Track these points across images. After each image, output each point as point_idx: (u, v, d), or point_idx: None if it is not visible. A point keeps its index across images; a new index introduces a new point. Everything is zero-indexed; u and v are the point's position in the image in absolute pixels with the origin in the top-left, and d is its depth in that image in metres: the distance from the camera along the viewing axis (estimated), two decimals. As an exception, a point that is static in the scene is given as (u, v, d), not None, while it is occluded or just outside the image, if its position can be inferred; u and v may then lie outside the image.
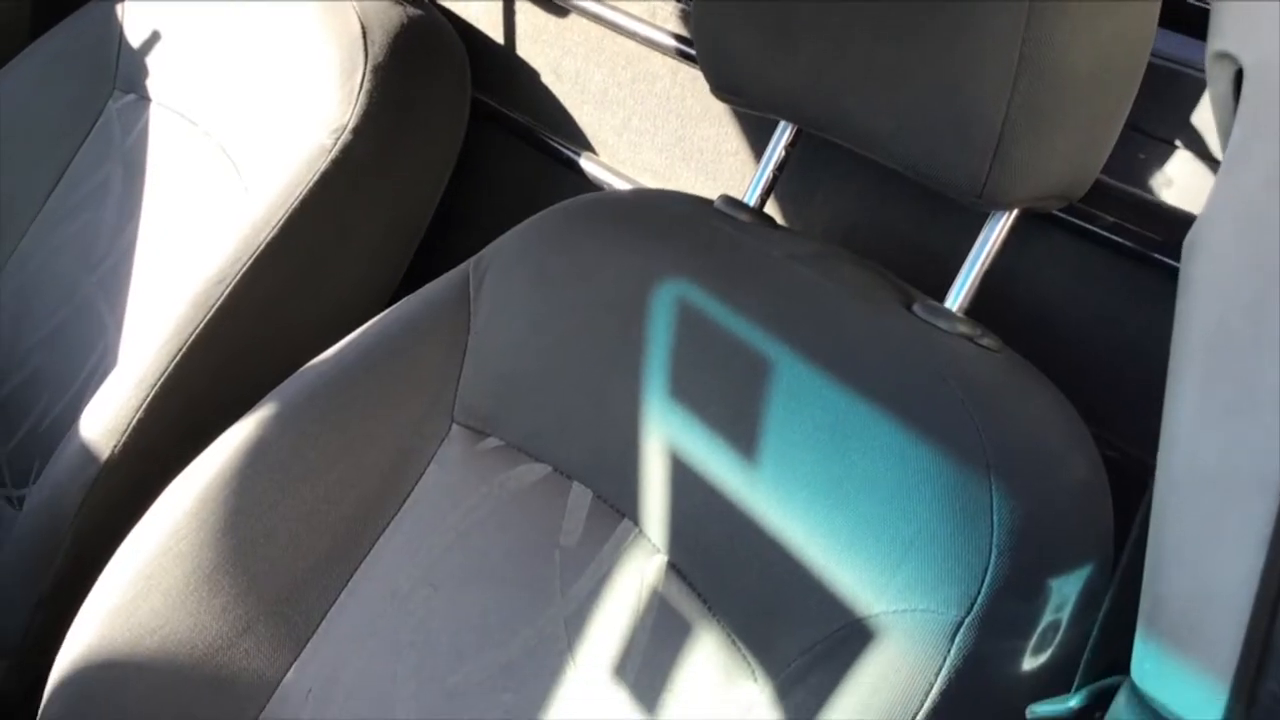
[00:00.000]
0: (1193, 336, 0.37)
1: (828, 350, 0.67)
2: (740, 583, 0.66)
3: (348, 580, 0.80)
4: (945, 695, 0.56)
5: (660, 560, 0.70)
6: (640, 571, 0.71)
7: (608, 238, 0.79)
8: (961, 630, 0.57)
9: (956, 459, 0.61)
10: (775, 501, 0.65)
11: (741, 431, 0.67)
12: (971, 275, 0.72)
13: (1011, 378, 0.67)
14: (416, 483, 0.81)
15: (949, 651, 0.57)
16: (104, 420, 0.97)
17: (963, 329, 0.69)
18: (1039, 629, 0.59)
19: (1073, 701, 0.47)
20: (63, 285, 1.13)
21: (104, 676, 0.79)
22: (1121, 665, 0.47)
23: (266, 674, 0.79)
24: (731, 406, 0.68)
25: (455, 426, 0.81)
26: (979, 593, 0.58)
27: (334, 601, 0.80)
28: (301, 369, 0.84)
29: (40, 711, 0.80)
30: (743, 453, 0.67)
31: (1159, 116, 0.76)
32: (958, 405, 0.63)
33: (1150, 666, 0.41)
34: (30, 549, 0.99)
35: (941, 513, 0.60)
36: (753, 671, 0.64)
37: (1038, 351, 0.73)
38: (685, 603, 0.68)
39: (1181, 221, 0.75)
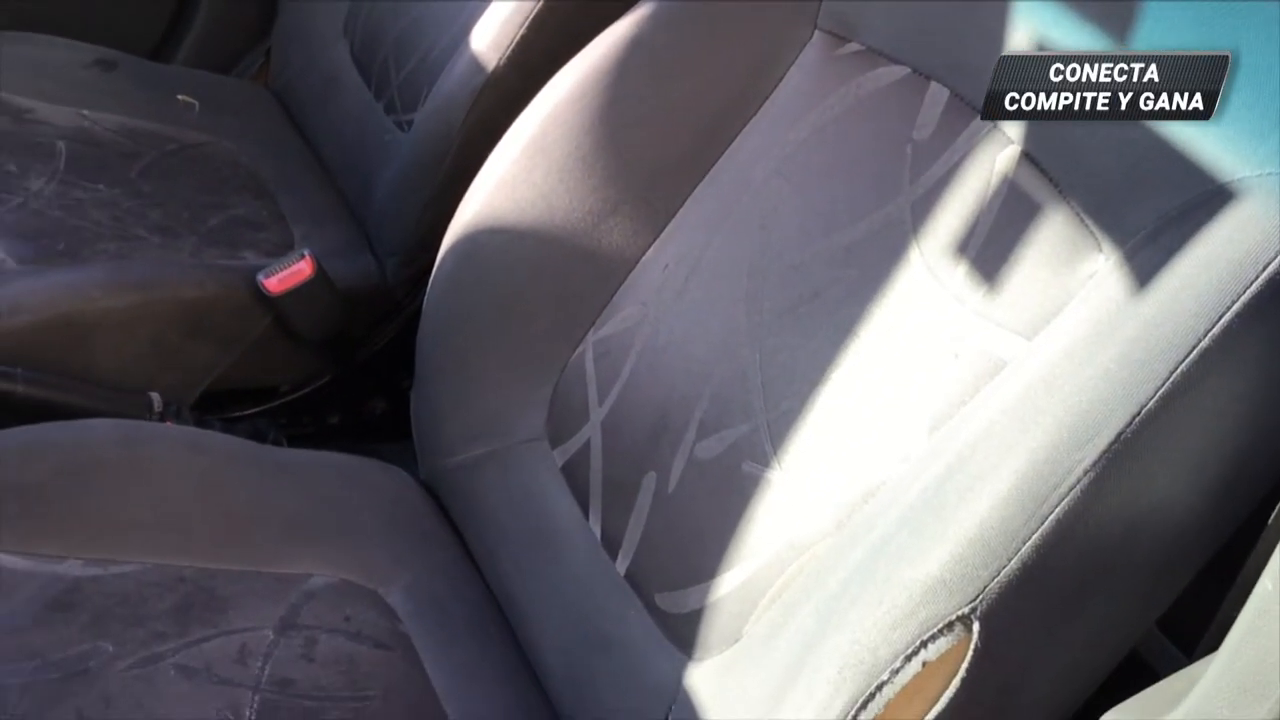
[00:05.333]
0: None
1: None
2: (1097, 163, 0.67)
3: (706, 171, 0.87)
4: (1305, 247, 0.57)
5: (1014, 150, 0.72)
6: (991, 160, 0.73)
7: None
8: (1330, 191, 0.57)
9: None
10: (1144, 80, 0.66)
11: (1115, 14, 0.67)
12: None
13: None
14: (777, 85, 0.86)
15: (1313, 209, 0.57)
16: (489, 38, 1.06)
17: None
18: None
19: None
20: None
21: (491, 240, 0.90)
22: None
23: (629, 250, 0.88)
24: (1105, -4, 0.68)
25: (818, 33, 0.85)
26: (1353, 159, 0.57)
27: (692, 190, 0.87)
28: (674, -22, 0.89)
29: (435, 267, 0.92)
30: (1115, 37, 0.67)
31: None
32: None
33: None
34: (422, 155, 1.12)
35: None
36: (1099, 245, 0.66)
37: None
38: (1035, 186, 0.71)
39: None
